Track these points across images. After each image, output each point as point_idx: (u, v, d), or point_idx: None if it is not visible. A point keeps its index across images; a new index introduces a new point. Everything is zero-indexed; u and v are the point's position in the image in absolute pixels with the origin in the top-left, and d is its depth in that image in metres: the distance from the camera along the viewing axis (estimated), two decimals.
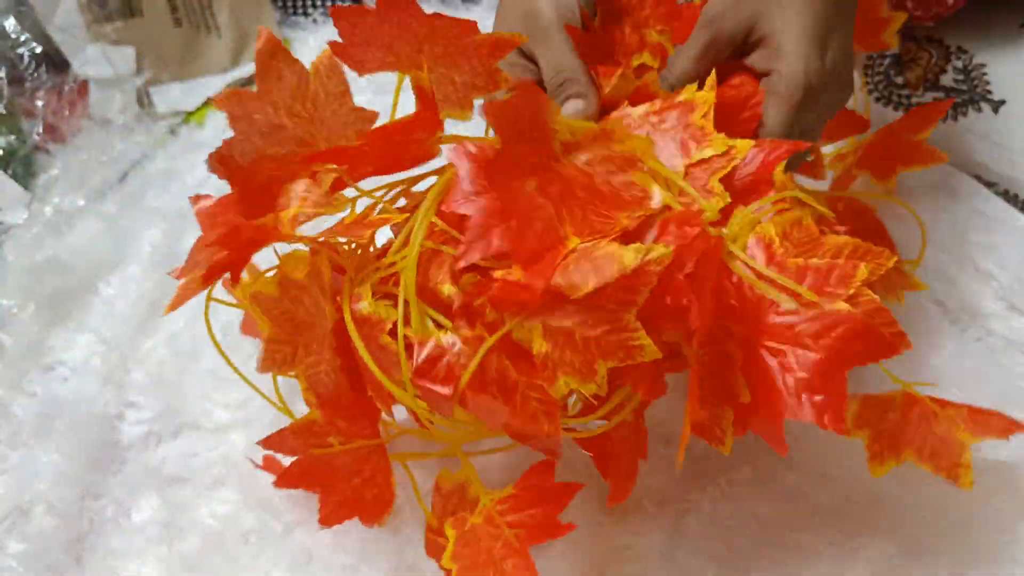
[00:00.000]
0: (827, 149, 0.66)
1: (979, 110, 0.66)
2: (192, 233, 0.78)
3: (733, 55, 0.50)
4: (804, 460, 0.56)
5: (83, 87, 0.89)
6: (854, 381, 0.40)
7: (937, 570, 0.51)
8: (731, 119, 0.48)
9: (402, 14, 0.44)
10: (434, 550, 0.51)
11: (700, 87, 0.48)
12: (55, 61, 0.90)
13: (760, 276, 0.43)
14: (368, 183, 0.48)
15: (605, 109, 0.51)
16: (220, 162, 0.46)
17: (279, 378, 0.55)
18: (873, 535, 0.53)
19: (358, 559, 0.55)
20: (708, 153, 0.46)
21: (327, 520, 0.52)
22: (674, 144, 0.47)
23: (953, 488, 0.52)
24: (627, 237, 0.42)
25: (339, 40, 0.45)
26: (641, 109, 0.48)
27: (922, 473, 0.48)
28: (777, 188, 0.45)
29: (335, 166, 0.45)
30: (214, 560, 0.58)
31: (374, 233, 0.48)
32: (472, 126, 0.49)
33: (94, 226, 0.82)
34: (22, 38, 0.88)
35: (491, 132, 0.50)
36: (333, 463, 0.52)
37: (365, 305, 0.45)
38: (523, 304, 0.41)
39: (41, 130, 0.87)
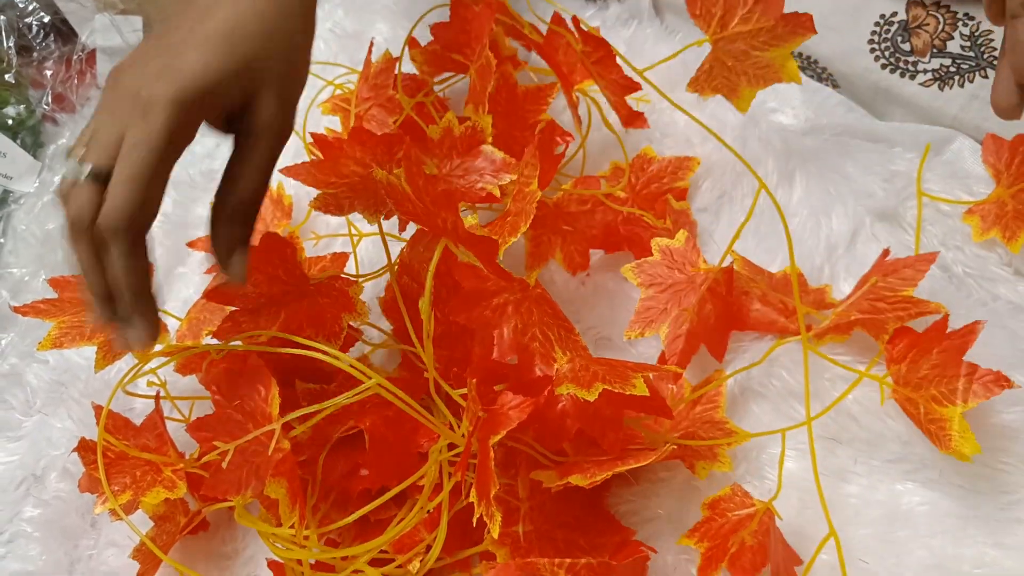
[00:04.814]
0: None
1: (985, 76, 0.66)
2: (202, 201, 0.78)
3: None
4: None
5: (91, 57, 0.89)
6: None
7: (942, 527, 0.52)
8: None
9: None
10: None
11: None
12: (63, 31, 0.90)
13: None
14: None
15: None
16: None
17: None
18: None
19: None
20: None
21: None
22: None
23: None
24: None
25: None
26: None
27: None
28: None
29: None
30: None
31: None
32: None
33: None
34: (30, 8, 0.88)
35: None
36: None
37: None
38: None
39: (50, 100, 0.87)
